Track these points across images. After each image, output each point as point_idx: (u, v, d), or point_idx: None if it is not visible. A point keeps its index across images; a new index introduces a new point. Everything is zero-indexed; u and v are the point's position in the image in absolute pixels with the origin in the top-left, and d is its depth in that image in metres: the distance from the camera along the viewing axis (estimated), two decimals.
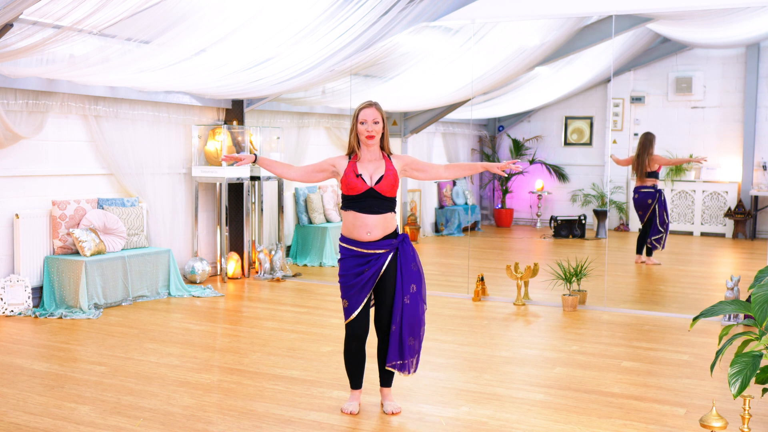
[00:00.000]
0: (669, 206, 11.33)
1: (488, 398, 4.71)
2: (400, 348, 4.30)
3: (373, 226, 4.26)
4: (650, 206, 9.68)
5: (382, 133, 4.32)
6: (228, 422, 4.27)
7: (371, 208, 4.25)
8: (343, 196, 4.33)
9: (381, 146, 4.35)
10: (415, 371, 4.40)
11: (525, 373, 5.27)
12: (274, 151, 9.40)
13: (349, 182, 4.26)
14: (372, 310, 4.43)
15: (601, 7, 7.83)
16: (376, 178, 4.26)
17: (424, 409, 4.51)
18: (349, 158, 4.35)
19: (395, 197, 4.34)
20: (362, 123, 4.28)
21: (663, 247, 9.80)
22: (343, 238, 4.35)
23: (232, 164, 8.74)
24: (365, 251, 4.26)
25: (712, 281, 8.92)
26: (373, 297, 4.39)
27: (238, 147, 8.91)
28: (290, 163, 4.61)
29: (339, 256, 4.40)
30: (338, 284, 4.43)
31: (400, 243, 4.30)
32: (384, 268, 4.27)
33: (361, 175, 4.26)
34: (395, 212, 4.37)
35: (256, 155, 4.38)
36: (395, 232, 4.33)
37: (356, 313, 4.29)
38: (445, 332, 6.41)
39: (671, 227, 11.31)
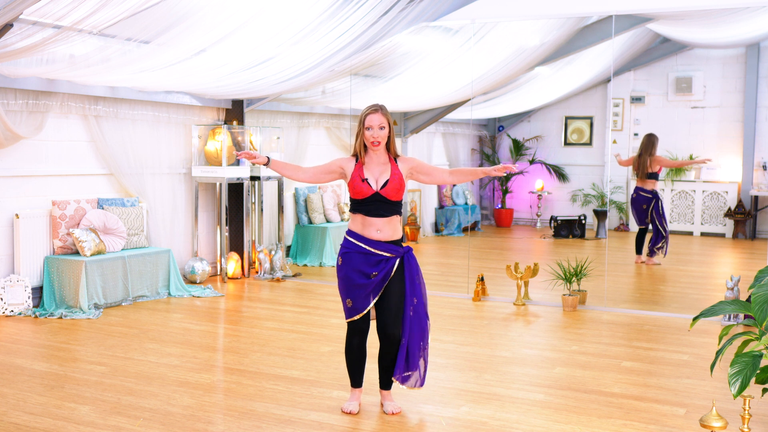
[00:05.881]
0: (669, 207, 11.34)
1: (488, 398, 4.71)
2: (407, 360, 4.34)
3: (382, 226, 4.29)
4: (645, 211, 9.69)
5: (388, 137, 4.33)
6: (228, 422, 4.27)
7: (378, 212, 4.28)
8: (351, 200, 4.35)
9: (387, 148, 4.36)
10: (421, 385, 4.41)
11: (525, 373, 5.26)
12: (274, 151, 9.41)
13: (355, 186, 4.28)
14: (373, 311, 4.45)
15: (601, 7, 7.83)
16: (381, 182, 4.28)
17: (424, 409, 4.51)
18: (356, 160, 4.35)
19: (401, 201, 4.35)
20: (368, 129, 4.28)
21: (665, 254, 9.80)
22: (351, 233, 4.34)
23: (238, 161, 8.75)
24: (374, 250, 4.27)
25: (712, 281, 8.92)
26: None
27: (238, 147, 8.91)
28: (296, 164, 4.61)
29: (342, 250, 4.37)
30: (338, 282, 4.43)
31: (405, 253, 4.33)
32: (392, 273, 4.28)
33: (366, 179, 4.27)
34: (400, 214, 4.39)
35: (268, 158, 4.38)
36: (401, 240, 4.36)
37: (362, 314, 4.30)
38: (445, 332, 6.41)
39: (671, 227, 11.31)
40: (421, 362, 4.39)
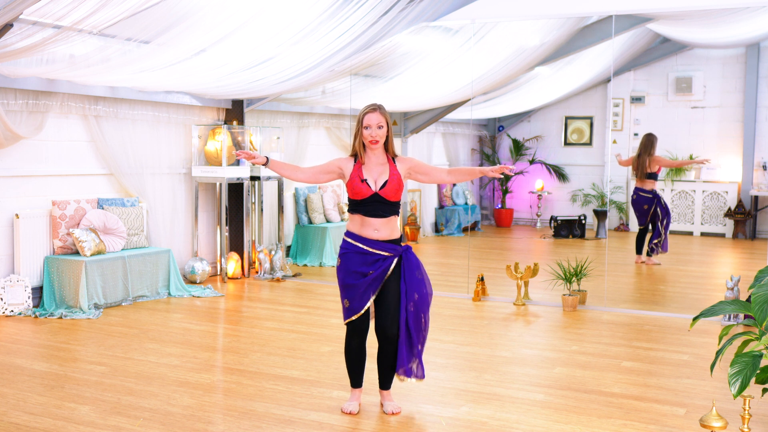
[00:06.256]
0: (669, 207, 11.33)
1: (488, 398, 4.71)
2: (409, 354, 4.34)
3: (380, 226, 4.29)
4: (647, 212, 9.70)
5: (387, 137, 4.33)
6: (228, 422, 4.27)
7: (376, 212, 4.28)
8: (350, 200, 4.35)
9: (386, 148, 4.36)
10: (423, 376, 4.41)
11: (525, 373, 5.26)
12: (274, 151, 9.41)
13: (354, 187, 4.29)
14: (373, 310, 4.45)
15: (601, 7, 7.83)
16: (380, 183, 4.28)
17: (424, 409, 4.51)
18: (355, 160, 4.36)
19: (399, 201, 4.37)
20: (366, 128, 4.29)
21: (666, 250, 9.80)
22: (349, 234, 4.35)
23: (238, 161, 8.76)
24: (372, 250, 4.28)
25: (712, 281, 8.92)
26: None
27: (238, 147, 8.91)
28: (295, 164, 4.62)
29: (341, 251, 4.39)
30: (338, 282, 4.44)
31: (404, 252, 4.32)
32: (389, 272, 4.28)
33: (366, 180, 4.28)
34: (398, 214, 4.40)
35: (267, 158, 4.39)
36: (399, 239, 4.36)
37: (359, 314, 4.30)
38: (445, 332, 6.41)
39: (671, 227, 11.32)
40: (417, 350, 4.38)
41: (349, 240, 4.35)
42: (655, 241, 9.70)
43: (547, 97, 12.48)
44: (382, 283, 4.30)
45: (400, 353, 4.33)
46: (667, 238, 9.82)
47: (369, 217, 4.29)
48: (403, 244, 4.40)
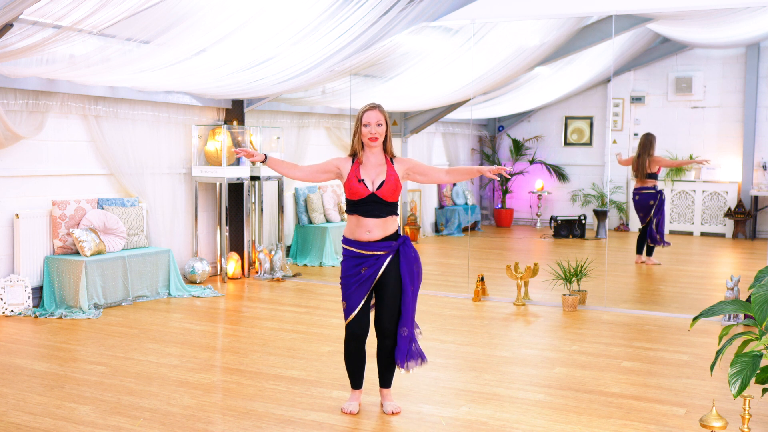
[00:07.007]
0: (669, 206, 11.35)
1: (488, 398, 4.71)
2: (408, 343, 4.34)
3: (373, 227, 4.28)
4: (652, 207, 9.67)
5: (385, 136, 4.33)
6: (228, 422, 4.27)
7: (373, 212, 4.28)
8: (347, 200, 4.35)
9: (384, 148, 4.36)
10: (423, 359, 4.40)
11: (525, 373, 5.27)
12: (274, 151, 9.41)
13: (351, 187, 4.28)
14: (372, 311, 4.45)
15: (601, 7, 7.83)
16: (377, 183, 4.28)
17: (424, 409, 4.51)
18: (353, 160, 4.36)
19: (397, 201, 4.36)
20: (366, 125, 4.29)
21: (666, 244, 9.78)
22: (344, 240, 4.38)
23: (238, 158, 8.76)
24: (364, 252, 4.28)
25: (712, 281, 8.92)
26: (373, 297, 4.40)
27: (238, 147, 8.91)
28: (294, 163, 4.63)
29: (341, 258, 4.43)
30: (339, 285, 4.47)
31: (400, 244, 4.32)
32: (383, 269, 4.28)
33: (363, 180, 4.28)
34: (397, 215, 4.40)
35: (266, 155, 4.39)
36: (396, 233, 4.35)
37: (355, 312, 4.30)
38: (445, 332, 6.41)
39: (671, 227, 11.33)
40: (416, 340, 4.40)
41: (345, 246, 4.38)
42: (657, 236, 9.69)
43: (547, 97, 12.48)
44: (377, 280, 4.30)
45: (400, 348, 4.33)
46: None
47: (366, 217, 4.28)
48: (401, 234, 4.39)
